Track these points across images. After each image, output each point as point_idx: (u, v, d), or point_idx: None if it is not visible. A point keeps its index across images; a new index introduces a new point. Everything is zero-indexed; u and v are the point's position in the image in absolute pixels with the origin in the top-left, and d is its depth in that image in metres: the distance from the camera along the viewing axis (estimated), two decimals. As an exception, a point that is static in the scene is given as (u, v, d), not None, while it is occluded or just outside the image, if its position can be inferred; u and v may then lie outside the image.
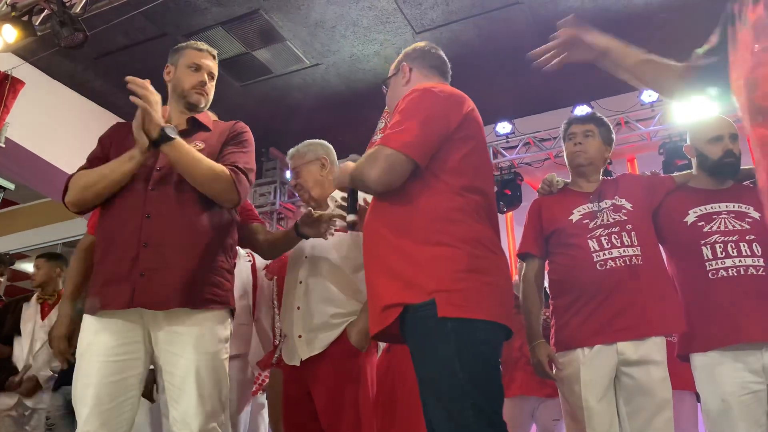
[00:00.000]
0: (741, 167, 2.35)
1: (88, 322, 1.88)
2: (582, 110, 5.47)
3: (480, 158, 1.72)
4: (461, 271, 1.51)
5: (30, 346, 3.62)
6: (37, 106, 5.12)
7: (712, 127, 2.37)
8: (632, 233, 2.21)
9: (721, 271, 2.15)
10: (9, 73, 3.99)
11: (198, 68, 2.11)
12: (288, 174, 7.04)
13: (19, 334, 3.64)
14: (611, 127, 2.47)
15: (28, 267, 8.61)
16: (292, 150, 2.53)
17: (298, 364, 2.23)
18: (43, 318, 3.74)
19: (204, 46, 2.18)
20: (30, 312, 3.69)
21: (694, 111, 5.11)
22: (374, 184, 1.60)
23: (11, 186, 4.87)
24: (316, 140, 2.54)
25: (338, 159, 2.52)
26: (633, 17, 4.96)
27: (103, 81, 5.72)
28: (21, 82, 4.03)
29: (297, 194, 2.51)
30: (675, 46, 5.65)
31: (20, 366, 3.63)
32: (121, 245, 1.86)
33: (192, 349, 1.83)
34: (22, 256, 8.44)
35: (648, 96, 5.40)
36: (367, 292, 1.72)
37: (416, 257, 1.54)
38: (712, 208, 2.24)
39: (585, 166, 2.39)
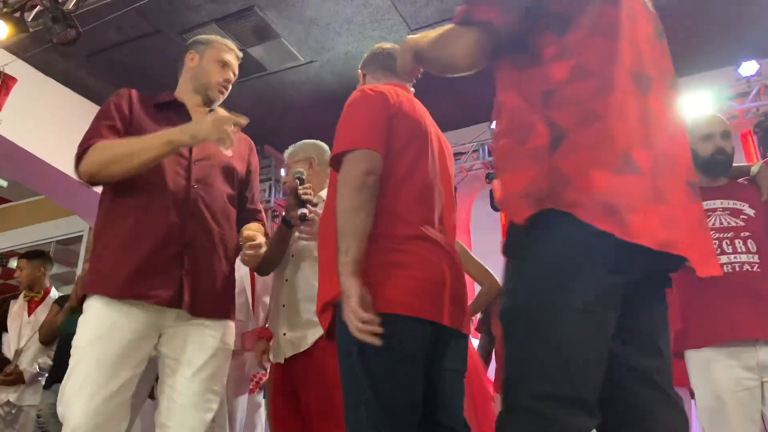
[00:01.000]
0: (734, 164, 2.35)
1: (105, 304, 1.76)
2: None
3: (417, 150, 1.66)
4: (373, 266, 1.47)
5: (17, 341, 3.60)
6: (30, 102, 5.08)
7: (703, 125, 2.38)
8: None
9: (717, 268, 2.15)
10: (1, 69, 3.96)
11: (226, 65, 2.10)
12: (282, 171, 7.05)
13: (6, 330, 3.63)
14: None
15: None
16: (289, 148, 2.54)
17: (282, 361, 2.23)
18: (29, 314, 3.73)
19: (233, 45, 2.17)
20: (17, 308, 3.68)
21: (689, 110, 5.12)
22: None
23: (4, 183, 4.85)
24: (312, 140, 2.54)
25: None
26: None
27: (96, 78, 5.68)
28: (13, 79, 4.01)
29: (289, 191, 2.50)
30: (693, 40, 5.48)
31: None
32: (162, 238, 1.81)
33: (205, 357, 1.83)
34: (14, 254, 8.40)
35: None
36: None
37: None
38: (706, 205, 2.25)
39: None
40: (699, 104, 5.07)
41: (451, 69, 1.35)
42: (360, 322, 1.37)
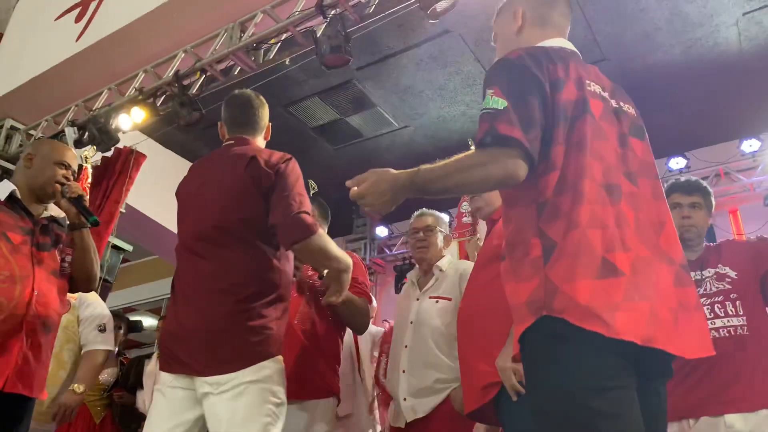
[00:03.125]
0: None
1: None
2: (677, 163, 5.35)
3: None
4: None
5: (151, 397, 3.89)
6: (152, 173, 5.63)
7: None
8: (737, 302, 2.16)
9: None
10: (134, 148, 4.45)
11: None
12: (377, 231, 7.27)
13: (142, 387, 3.94)
14: (711, 192, 2.42)
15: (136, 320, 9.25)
16: (427, 211, 2.69)
17: (402, 426, 2.31)
18: (163, 373, 4.01)
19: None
20: (151, 367, 3.98)
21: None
22: None
23: (130, 248, 5.33)
24: (446, 219, 2.72)
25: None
26: (728, 67, 4.86)
27: (210, 148, 6.17)
28: (143, 156, 4.48)
29: (414, 243, 2.63)
30: (766, 98, 5.47)
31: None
32: None
33: None
34: (131, 309, 9.08)
35: (749, 146, 5.22)
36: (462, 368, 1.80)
37: None
38: None
39: (694, 239, 2.31)
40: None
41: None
42: None
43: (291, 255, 1.94)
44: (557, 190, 1.27)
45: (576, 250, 1.22)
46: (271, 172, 1.84)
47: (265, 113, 2.12)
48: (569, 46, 1.50)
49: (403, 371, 2.37)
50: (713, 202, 2.40)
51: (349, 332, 3.09)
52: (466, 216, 4.85)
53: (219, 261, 1.81)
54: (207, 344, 1.74)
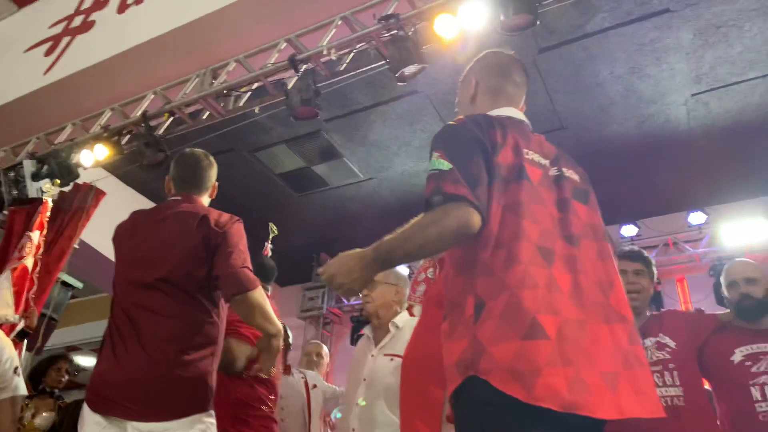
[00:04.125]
0: None
1: None
2: (629, 230, 5.55)
3: None
4: None
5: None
6: (110, 209, 5.52)
7: (728, 273, 2.46)
8: (674, 373, 2.22)
9: (772, 413, 2.13)
10: (94, 184, 4.39)
11: None
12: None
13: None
14: (653, 262, 2.53)
15: (81, 360, 8.87)
16: None
17: None
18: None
19: None
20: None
21: (742, 235, 5.14)
22: None
23: (80, 285, 5.17)
24: (401, 272, 2.71)
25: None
26: (677, 143, 5.13)
27: (172, 188, 6.17)
28: (103, 193, 4.41)
29: (363, 304, 2.63)
30: (717, 174, 5.77)
31: None
32: None
33: None
34: (75, 348, 8.72)
35: (695, 218, 5.46)
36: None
37: None
38: (758, 347, 2.26)
39: (639, 306, 2.39)
40: (754, 230, 5.10)
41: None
42: None
43: (225, 313, 2.02)
44: (492, 249, 1.31)
45: (504, 310, 1.23)
46: (219, 231, 1.95)
47: (213, 173, 2.23)
48: (517, 115, 1.58)
49: (353, 429, 2.34)
50: (655, 272, 2.50)
51: (302, 391, 3.08)
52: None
53: (163, 311, 1.87)
54: (146, 390, 1.78)
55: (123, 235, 2.10)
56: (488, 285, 1.27)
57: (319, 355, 3.97)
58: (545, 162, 1.48)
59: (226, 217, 2.02)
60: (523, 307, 1.23)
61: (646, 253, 2.55)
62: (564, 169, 1.51)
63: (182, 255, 1.92)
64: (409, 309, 4.43)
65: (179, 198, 2.11)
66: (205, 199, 2.20)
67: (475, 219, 1.29)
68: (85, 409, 1.85)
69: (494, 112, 1.55)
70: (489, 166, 1.37)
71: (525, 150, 1.45)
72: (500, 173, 1.37)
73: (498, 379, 1.17)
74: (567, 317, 1.25)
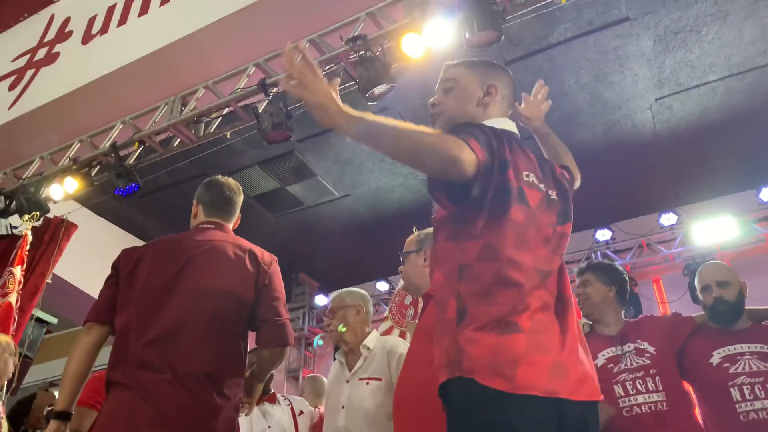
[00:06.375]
0: (758, 307, 2.42)
1: None
2: (603, 234, 5.63)
3: None
4: None
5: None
6: (83, 241, 5.43)
7: (700, 277, 2.49)
8: (656, 378, 2.24)
9: (752, 413, 2.16)
10: (65, 217, 4.31)
11: None
12: (316, 299, 7.20)
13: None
14: (613, 265, 2.55)
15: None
16: (334, 293, 2.68)
17: None
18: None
19: None
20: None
21: (713, 233, 5.26)
22: None
23: (54, 321, 5.06)
24: (358, 290, 2.67)
25: (365, 282, 2.67)
26: (645, 147, 5.24)
27: (144, 216, 6.10)
28: (74, 226, 4.34)
29: (328, 333, 2.63)
30: (685, 175, 5.87)
31: None
32: None
33: None
34: (54, 384, 8.50)
35: (667, 219, 5.56)
36: None
37: None
38: (735, 349, 2.30)
39: (591, 313, 2.45)
40: (724, 228, 5.22)
41: (433, 162, 1.29)
42: None
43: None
44: (480, 256, 1.31)
45: (486, 313, 1.26)
46: (267, 271, 1.95)
47: (240, 203, 2.20)
48: (512, 128, 1.57)
49: None
50: (615, 275, 2.48)
51: (289, 414, 3.04)
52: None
53: (211, 346, 1.81)
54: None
55: (151, 264, 1.95)
56: (474, 290, 1.30)
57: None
58: (541, 186, 1.47)
59: (268, 255, 2.01)
60: (494, 309, 1.27)
61: (603, 263, 2.60)
62: (550, 191, 1.51)
63: (233, 289, 1.88)
64: (402, 335, 4.39)
65: (211, 225, 2.06)
66: (231, 227, 2.15)
67: (470, 166, 1.27)
68: None
69: (498, 124, 1.53)
70: (496, 179, 1.36)
71: (525, 172, 1.43)
72: (503, 189, 1.36)
73: (481, 375, 1.20)
74: (538, 317, 1.29)
